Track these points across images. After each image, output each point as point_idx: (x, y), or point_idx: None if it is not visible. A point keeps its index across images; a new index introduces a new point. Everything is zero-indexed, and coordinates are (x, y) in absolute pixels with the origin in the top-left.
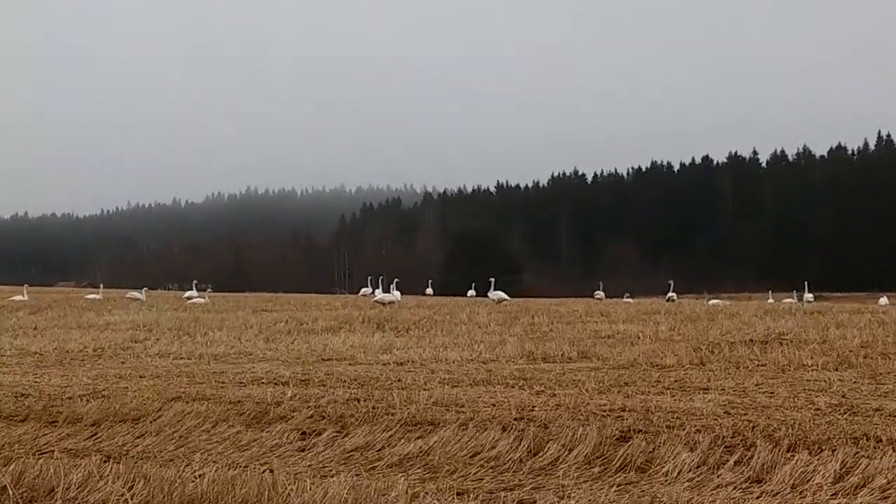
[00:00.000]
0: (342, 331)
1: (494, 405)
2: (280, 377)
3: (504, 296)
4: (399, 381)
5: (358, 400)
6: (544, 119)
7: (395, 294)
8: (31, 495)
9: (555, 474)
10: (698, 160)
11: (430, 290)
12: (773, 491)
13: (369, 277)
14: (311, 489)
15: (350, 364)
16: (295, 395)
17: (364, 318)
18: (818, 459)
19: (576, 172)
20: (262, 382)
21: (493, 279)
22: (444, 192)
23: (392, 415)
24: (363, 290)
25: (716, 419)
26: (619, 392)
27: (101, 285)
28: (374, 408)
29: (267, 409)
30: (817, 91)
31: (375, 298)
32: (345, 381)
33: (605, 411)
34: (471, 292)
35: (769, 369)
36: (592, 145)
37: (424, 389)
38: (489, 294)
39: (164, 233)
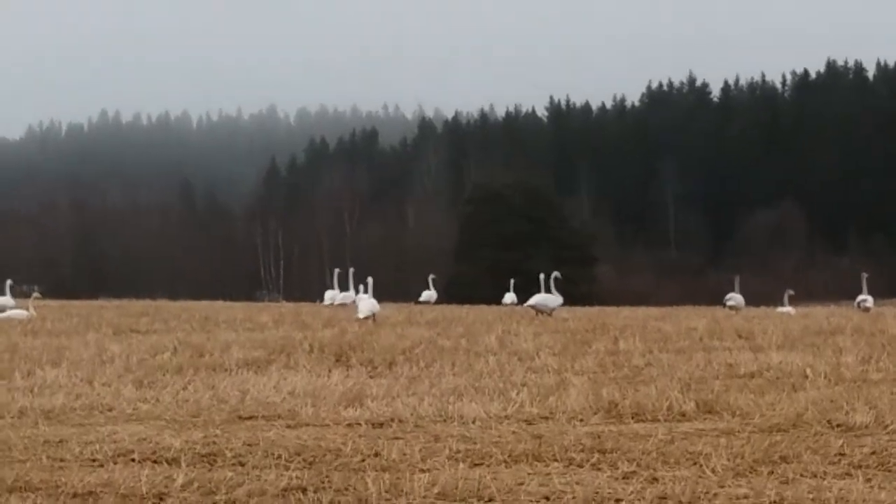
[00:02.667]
0: (275, 367)
1: (548, 499)
2: (164, 450)
3: (559, 300)
4: (377, 455)
5: (304, 490)
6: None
7: (367, 301)
8: None
9: None
10: None
11: (429, 294)
12: None
13: (336, 272)
14: None
15: (289, 426)
16: (191, 483)
17: (313, 345)
18: None
19: (691, 82)
20: (133, 459)
21: (552, 274)
22: (455, 117)
23: None
24: (330, 296)
25: None
26: (770, 474)
27: None
28: None
29: None
30: None
31: (359, 307)
32: (280, 458)
33: None
34: (509, 296)
35: None
36: (715, 37)
37: (423, 471)
38: (535, 301)
39: None
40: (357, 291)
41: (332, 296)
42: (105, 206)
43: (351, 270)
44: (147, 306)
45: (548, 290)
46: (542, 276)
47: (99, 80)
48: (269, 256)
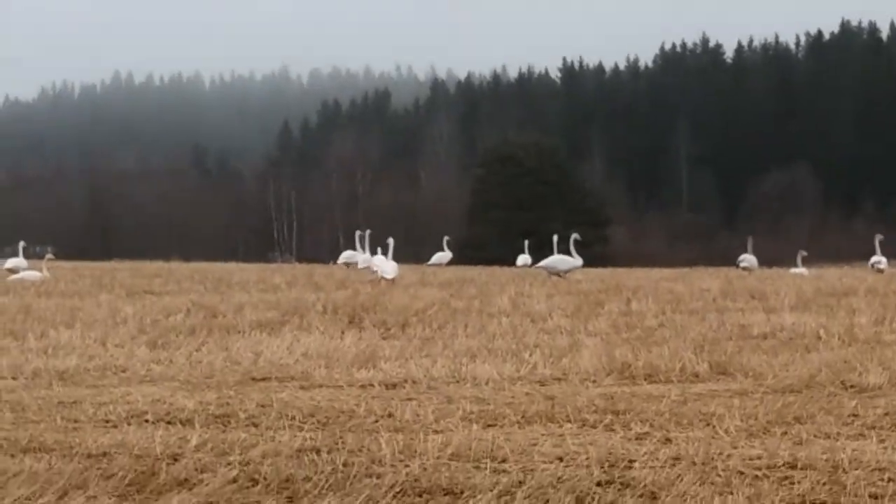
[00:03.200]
0: (288, 328)
1: (562, 459)
2: (178, 411)
3: (576, 262)
4: (390, 416)
5: (318, 451)
6: None
7: (390, 262)
8: None
9: None
10: None
11: (443, 255)
12: None
13: (358, 234)
14: None
15: (303, 387)
16: (205, 444)
17: (326, 307)
18: None
19: (704, 42)
20: (147, 420)
21: (571, 236)
22: (468, 78)
23: (379, 478)
24: (347, 256)
25: None
26: (784, 434)
27: None
28: (345, 465)
29: (155, 469)
30: None
31: (375, 269)
32: (294, 419)
33: (759, 469)
34: (523, 258)
35: None
36: None
37: (436, 432)
38: (547, 262)
39: None
40: (374, 253)
41: (352, 257)
42: (117, 168)
43: (368, 233)
44: (160, 268)
45: (565, 252)
46: (555, 237)
47: (112, 40)
48: (282, 218)
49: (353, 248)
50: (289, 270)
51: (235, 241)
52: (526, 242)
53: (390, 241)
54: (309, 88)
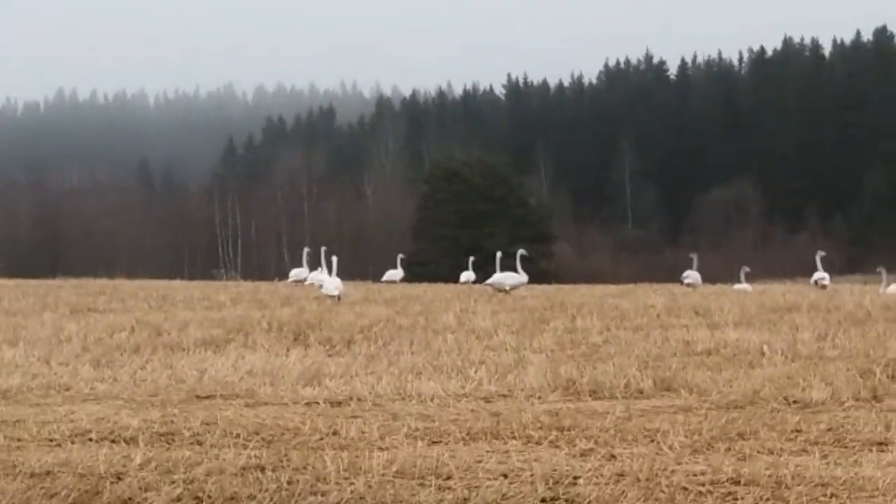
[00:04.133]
0: (233, 346)
1: (506, 476)
2: (122, 429)
3: (522, 278)
4: (335, 433)
5: (262, 469)
6: None
7: (331, 279)
8: None
9: None
10: (867, 34)
11: (395, 272)
12: None
13: (306, 251)
14: None
15: (248, 405)
16: (149, 462)
17: (271, 324)
18: None
19: (648, 60)
20: (91, 439)
21: (518, 252)
22: (413, 95)
23: (324, 495)
24: (296, 273)
25: None
26: (727, 450)
27: None
28: (290, 483)
29: (99, 488)
30: None
31: (324, 288)
32: (238, 436)
33: (703, 484)
34: (466, 275)
35: None
36: (678, 15)
37: (381, 449)
38: (493, 279)
39: None
40: (323, 270)
41: (301, 275)
42: (63, 185)
43: (324, 249)
44: (104, 285)
45: (510, 269)
46: (498, 255)
47: (55, 57)
48: (227, 235)
49: (300, 266)
50: (234, 287)
51: (180, 257)
52: (470, 259)
53: (334, 258)
54: (254, 105)
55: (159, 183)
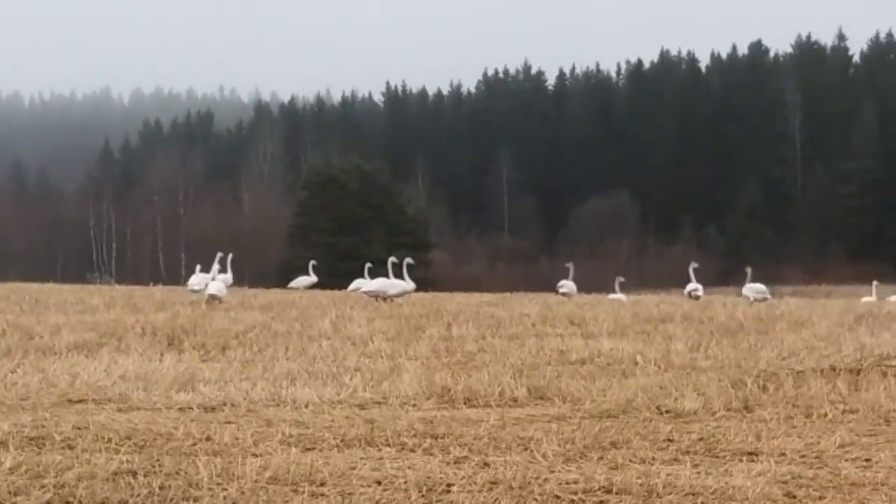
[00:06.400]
0: (106, 350)
1: (380, 483)
2: None
3: (408, 286)
4: (209, 439)
5: (134, 474)
6: None
7: (217, 281)
8: None
9: None
10: (743, 48)
11: (306, 279)
12: None
13: (219, 256)
14: None
15: (120, 410)
16: (19, 466)
17: (146, 328)
18: None
19: (527, 69)
20: None
21: (404, 260)
22: (292, 101)
23: (196, 501)
24: (197, 281)
25: None
26: (600, 459)
27: None
28: (162, 488)
29: None
30: None
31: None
32: (110, 441)
33: (576, 493)
34: (358, 284)
35: (864, 419)
36: (557, 25)
37: (255, 455)
38: (377, 286)
39: None
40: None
41: (201, 282)
42: None
43: (230, 256)
44: None
45: (398, 276)
46: (368, 265)
47: None
48: (102, 238)
49: (195, 271)
50: (108, 291)
51: (54, 260)
52: (368, 266)
53: (229, 256)
54: (130, 109)
55: (33, 185)
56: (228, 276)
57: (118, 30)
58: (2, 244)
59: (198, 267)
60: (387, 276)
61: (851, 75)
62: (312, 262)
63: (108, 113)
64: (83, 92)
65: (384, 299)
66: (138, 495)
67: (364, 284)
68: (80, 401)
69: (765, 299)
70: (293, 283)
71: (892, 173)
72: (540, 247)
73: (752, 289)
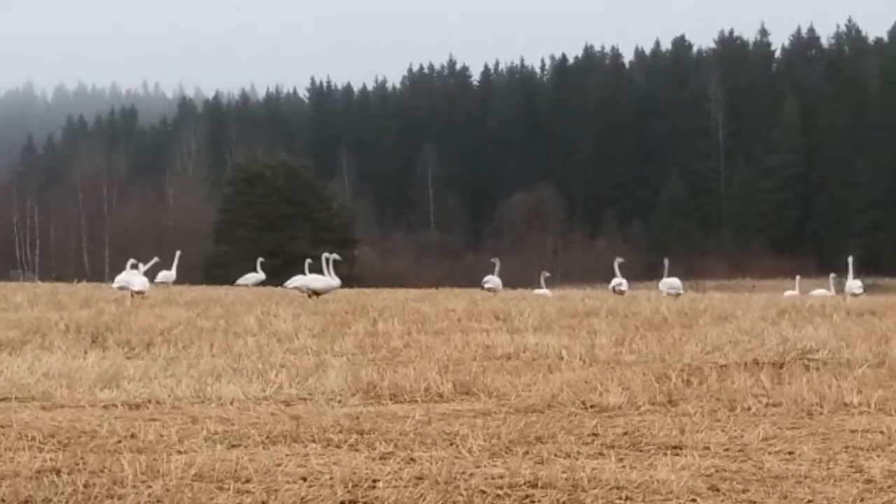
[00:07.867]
0: (29, 347)
1: (306, 479)
2: None
3: (334, 282)
4: (133, 436)
5: (58, 472)
6: None
7: (137, 276)
8: None
9: None
10: (666, 43)
11: (254, 276)
12: None
13: (178, 254)
14: None
15: (44, 408)
16: None
17: (69, 325)
18: None
19: (452, 65)
20: None
21: (331, 256)
22: (216, 97)
23: (120, 499)
24: (126, 278)
25: (694, 500)
26: (525, 454)
27: None
28: (86, 486)
29: None
30: None
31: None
32: (34, 439)
33: (501, 487)
34: (294, 281)
35: (787, 412)
36: (482, 21)
37: (180, 452)
38: (303, 280)
39: None
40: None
41: (131, 280)
42: None
43: (178, 253)
44: None
45: (317, 272)
46: (308, 261)
47: None
48: (25, 235)
49: (131, 269)
50: (31, 288)
51: None
52: (308, 262)
53: (140, 265)
54: (54, 105)
55: None
56: (172, 273)
57: (40, 25)
58: None
59: (129, 262)
60: (320, 272)
61: (774, 70)
62: (261, 260)
63: (31, 109)
64: (5, 88)
65: (310, 294)
66: (62, 493)
67: (255, 279)
68: (3, 399)
69: (678, 294)
70: (241, 281)
71: (813, 168)
72: (465, 242)
73: (666, 284)
